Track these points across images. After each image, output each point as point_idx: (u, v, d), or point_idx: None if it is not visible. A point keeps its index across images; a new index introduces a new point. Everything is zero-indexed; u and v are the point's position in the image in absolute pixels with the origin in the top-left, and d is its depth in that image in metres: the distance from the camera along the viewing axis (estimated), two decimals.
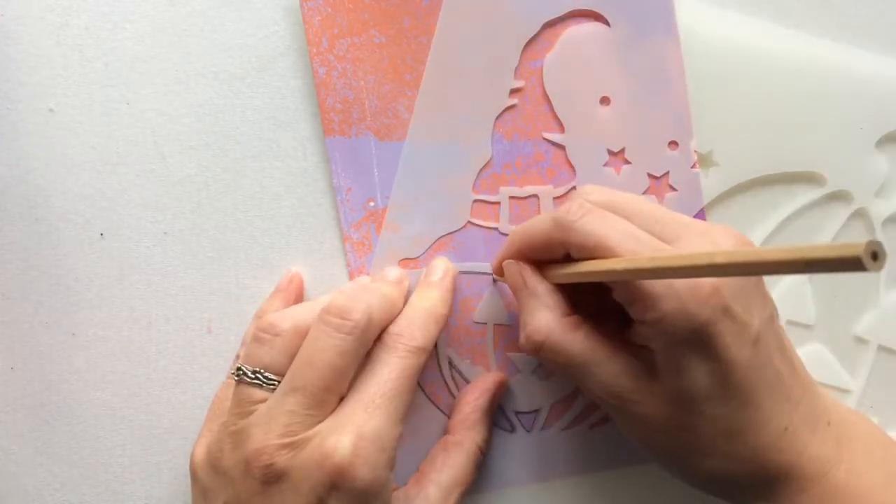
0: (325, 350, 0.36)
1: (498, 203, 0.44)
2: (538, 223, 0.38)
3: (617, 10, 0.44)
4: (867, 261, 0.22)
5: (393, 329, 0.39)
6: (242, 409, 0.37)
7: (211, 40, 0.43)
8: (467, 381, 0.44)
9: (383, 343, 0.38)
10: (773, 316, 0.37)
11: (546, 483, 0.44)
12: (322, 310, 0.37)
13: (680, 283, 0.33)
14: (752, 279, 0.36)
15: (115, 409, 0.43)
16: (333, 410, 0.37)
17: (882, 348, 0.46)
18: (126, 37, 0.43)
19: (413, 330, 0.39)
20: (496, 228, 0.44)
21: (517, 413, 0.44)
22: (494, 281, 0.44)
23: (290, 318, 0.38)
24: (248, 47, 0.44)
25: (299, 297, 0.44)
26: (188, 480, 0.39)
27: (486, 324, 0.44)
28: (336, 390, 0.36)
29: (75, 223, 0.43)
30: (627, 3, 0.44)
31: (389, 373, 0.37)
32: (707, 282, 0.33)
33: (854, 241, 0.22)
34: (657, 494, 0.41)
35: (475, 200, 0.44)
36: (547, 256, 0.38)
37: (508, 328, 0.44)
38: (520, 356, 0.44)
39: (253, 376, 0.37)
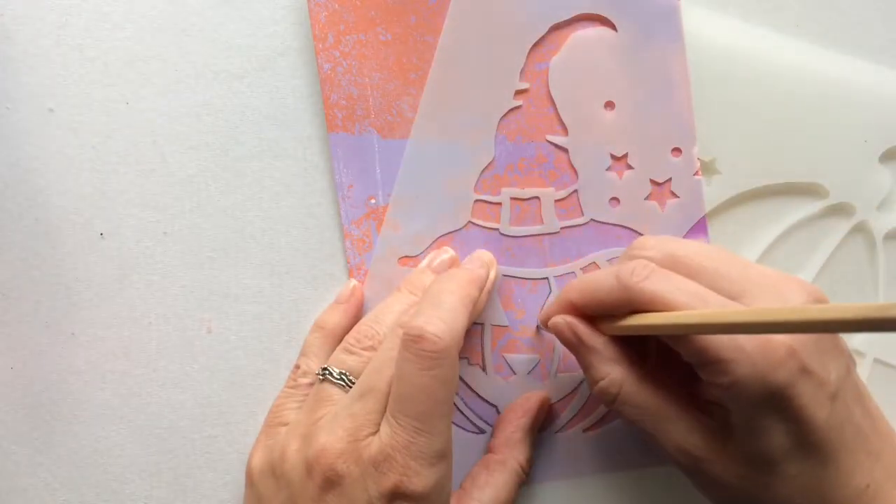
0: (417, 377, 0.35)
1: (499, 204, 0.44)
2: (600, 282, 0.37)
3: (624, 14, 0.43)
4: None
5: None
6: (320, 406, 0.38)
7: (211, 40, 0.43)
8: (463, 382, 0.44)
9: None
10: (849, 368, 0.36)
11: (538, 485, 0.45)
12: (405, 336, 0.35)
13: (751, 345, 0.33)
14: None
15: (115, 409, 0.43)
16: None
17: (878, 361, 0.46)
18: (126, 37, 0.43)
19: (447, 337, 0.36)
20: (497, 229, 0.44)
21: None
22: (538, 329, 0.44)
23: (378, 340, 0.39)
24: (248, 47, 0.43)
25: (359, 309, 0.43)
26: (188, 480, 0.40)
27: (482, 324, 0.44)
28: None
29: (75, 223, 0.43)
30: (635, 8, 0.43)
31: (437, 389, 0.35)
32: (781, 342, 0.32)
33: None
34: (649, 500, 0.42)
35: (476, 200, 0.44)
36: (605, 313, 0.38)
37: (505, 329, 0.44)
38: (516, 357, 0.44)
39: (339, 377, 0.38)
